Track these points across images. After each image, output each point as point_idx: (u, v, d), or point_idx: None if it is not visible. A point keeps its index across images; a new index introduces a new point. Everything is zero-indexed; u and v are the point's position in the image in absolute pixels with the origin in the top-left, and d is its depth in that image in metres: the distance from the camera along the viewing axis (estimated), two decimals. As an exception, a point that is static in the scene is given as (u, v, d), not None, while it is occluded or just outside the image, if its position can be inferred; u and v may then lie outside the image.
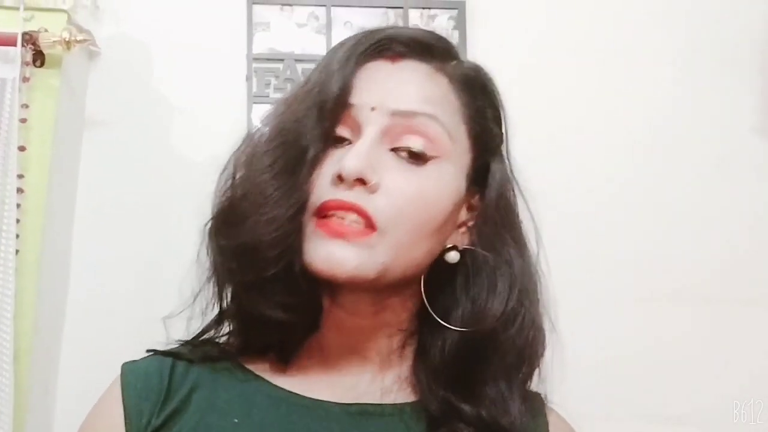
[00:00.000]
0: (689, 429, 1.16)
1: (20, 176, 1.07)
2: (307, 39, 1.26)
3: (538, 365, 0.68)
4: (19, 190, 1.06)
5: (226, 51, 1.24)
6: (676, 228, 1.24)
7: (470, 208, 0.68)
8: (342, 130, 0.64)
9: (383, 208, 0.60)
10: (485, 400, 0.65)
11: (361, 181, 0.60)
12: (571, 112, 1.27)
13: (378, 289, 0.64)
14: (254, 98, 1.23)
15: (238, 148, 0.68)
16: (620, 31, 1.30)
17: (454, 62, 0.69)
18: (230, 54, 1.24)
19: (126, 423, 0.65)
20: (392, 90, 0.64)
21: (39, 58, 1.11)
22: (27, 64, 1.10)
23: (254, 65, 1.24)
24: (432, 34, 0.71)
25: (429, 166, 0.63)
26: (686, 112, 1.28)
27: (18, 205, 1.06)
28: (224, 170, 0.67)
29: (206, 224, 0.69)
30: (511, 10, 1.29)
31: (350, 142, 0.63)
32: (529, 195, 0.72)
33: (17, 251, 1.05)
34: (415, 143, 0.62)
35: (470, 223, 0.67)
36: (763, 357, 1.20)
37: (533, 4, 1.30)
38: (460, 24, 1.25)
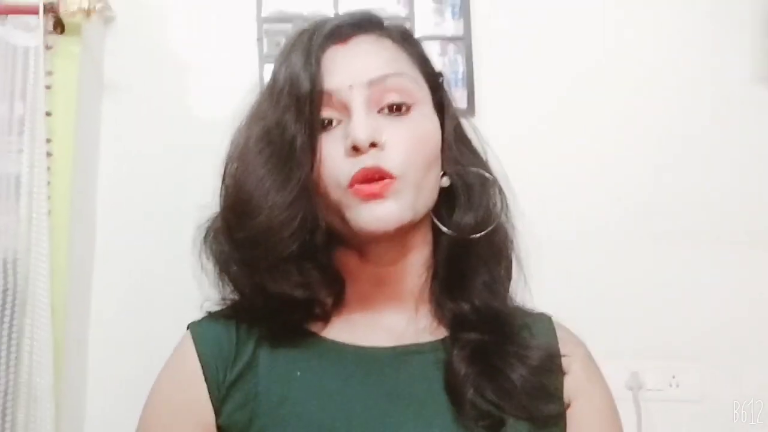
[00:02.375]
0: (689, 363, 1.22)
1: (48, 140, 1.12)
2: (315, 0, 1.28)
3: (510, 257, 0.80)
4: (48, 154, 1.11)
5: (237, 13, 1.26)
6: (680, 172, 1.26)
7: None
8: (329, 113, 0.71)
9: (395, 159, 0.69)
10: (475, 290, 0.76)
11: (373, 144, 0.68)
12: (585, 65, 1.30)
13: (404, 230, 0.72)
14: (265, 58, 1.25)
15: (229, 155, 0.76)
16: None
17: (387, 26, 0.78)
18: (241, 16, 1.26)
19: (205, 377, 0.72)
20: (358, 65, 0.72)
21: (59, 26, 1.15)
22: (49, 32, 1.14)
23: (264, 26, 1.26)
24: (364, 12, 0.79)
25: (412, 114, 0.72)
26: (688, 62, 1.29)
27: (48, 168, 1.11)
28: (224, 180, 0.75)
29: (206, 236, 0.76)
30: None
31: (339, 122, 0.71)
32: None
33: (49, 212, 1.10)
34: (394, 97, 0.71)
35: (442, 149, 0.77)
36: (759, 293, 1.24)
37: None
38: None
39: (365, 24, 0.78)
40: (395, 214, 0.69)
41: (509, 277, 0.80)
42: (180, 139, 1.24)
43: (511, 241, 0.81)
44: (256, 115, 0.76)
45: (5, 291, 1.10)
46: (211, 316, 0.79)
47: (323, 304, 0.76)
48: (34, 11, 1.12)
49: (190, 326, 0.78)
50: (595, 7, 1.30)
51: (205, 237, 0.77)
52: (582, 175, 1.25)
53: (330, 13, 1.25)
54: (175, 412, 0.74)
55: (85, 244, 1.20)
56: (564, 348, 0.77)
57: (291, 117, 0.71)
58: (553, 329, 0.79)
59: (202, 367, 0.73)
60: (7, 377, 1.08)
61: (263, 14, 1.27)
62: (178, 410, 0.74)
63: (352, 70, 0.72)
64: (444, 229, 0.76)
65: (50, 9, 1.13)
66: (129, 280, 1.21)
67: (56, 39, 1.16)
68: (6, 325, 1.09)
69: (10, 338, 1.09)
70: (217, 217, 0.77)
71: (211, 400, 0.72)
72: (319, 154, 0.71)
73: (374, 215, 0.68)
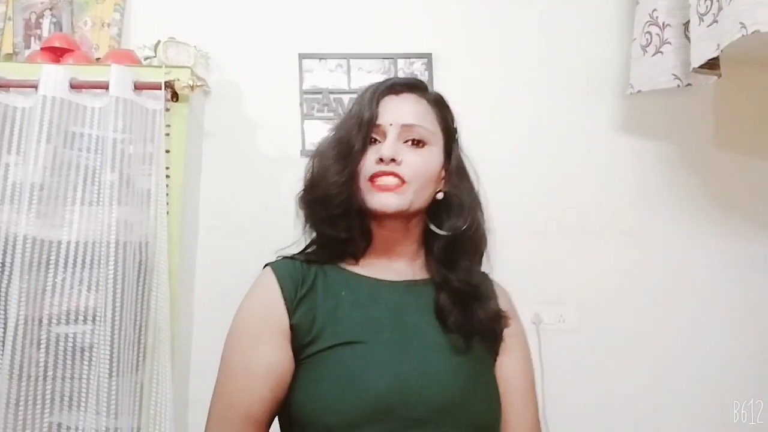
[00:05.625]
0: (571, 308, 1.63)
1: (167, 168, 1.54)
2: (336, 79, 1.69)
3: (484, 251, 0.98)
4: (167, 176, 1.54)
5: (287, 88, 1.70)
6: (571, 191, 1.70)
7: (444, 171, 0.98)
8: (375, 135, 0.92)
9: (406, 171, 0.90)
10: (460, 269, 0.94)
11: (393, 160, 0.89)
12: (503, 123, 1.72)
13: (405, 216, 0.92)
14: (305, 117, 1.66)
15: (315, 151, 0.95)
16: (528, 74, 1.74)
17: (427, 92, 0.99)
18: (289, 90, 1.70)
19: (282, 292, 0.89)
20: (400, 112, 0.93)
21: (175, 96, 1.58)
22: (167, 100, 1.55)
23: (304, 96, 1.68)
24: (416, 79, 1.02)
25: (424, 149, 0.93)
26: (573, 117, 1.74)
27: (167, 185, 1.54)
28: (309, 164, 0.96)
29: (298, 194, 0.96)
30: (462, 59, 1.74)
31: (381, 142, 0.91)
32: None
33: (168, 212, 1.52)
34: (415, 136, 0.92)
35: (444, 178, 0.98)
36: (616, 265, 1.65)
37: (476, 57, 1.74)
38: (429, 67, 1.71)
39: (414, 85, 0.97)
40: (394, 203, 0.89)
41: (480, 262, 0.98)
42: (251, 169, 1.67)
43: (485, 241, 0.97)
44: (335, 129, 0.95)
45: (140, 262, 1.50)
46: (283, 259, 0.95)
47: (357, 247, 0.94)
48: (158, 87, 1.52)
49: (269, 264, 0.93)
50: (511, 88, 1.72)
51: (300, 199, 0.97)
52: (520, 196, 1.69)
53: (344, 86, 1.67)
54: (261, 317, 0.88)
55: (191, 233, 1.61)
56: (498, 292, 0.98)
57: (354, 133, 0.90)
58: (491, 282, 1.01)
59: (280, 287, 0.89)
60: (142, 315, 1.47)
61: (303, 87, 1.69)
62: (264, 315, 0.88)
63: (396, 114, 0.91)
64: (437, 230, 0.94)
65: (168, 85, 1.54)
66: (222, 255, 1.61)
67: (173, 104, 1.57)
68: (141, 283, 1.49)
69: (143, 291, 1.49)
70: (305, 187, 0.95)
71: (286, 307, 0.87)
72: (364, 158, 0.90)
73: (381, 201, 0.90)
